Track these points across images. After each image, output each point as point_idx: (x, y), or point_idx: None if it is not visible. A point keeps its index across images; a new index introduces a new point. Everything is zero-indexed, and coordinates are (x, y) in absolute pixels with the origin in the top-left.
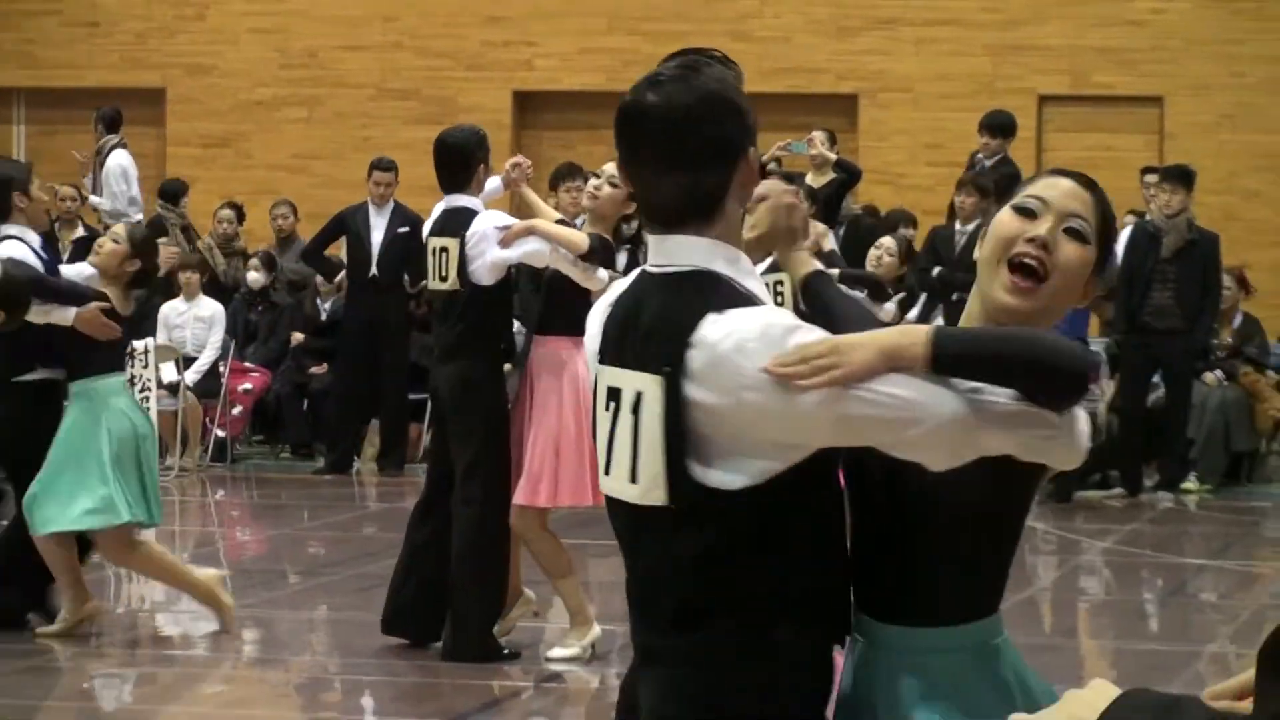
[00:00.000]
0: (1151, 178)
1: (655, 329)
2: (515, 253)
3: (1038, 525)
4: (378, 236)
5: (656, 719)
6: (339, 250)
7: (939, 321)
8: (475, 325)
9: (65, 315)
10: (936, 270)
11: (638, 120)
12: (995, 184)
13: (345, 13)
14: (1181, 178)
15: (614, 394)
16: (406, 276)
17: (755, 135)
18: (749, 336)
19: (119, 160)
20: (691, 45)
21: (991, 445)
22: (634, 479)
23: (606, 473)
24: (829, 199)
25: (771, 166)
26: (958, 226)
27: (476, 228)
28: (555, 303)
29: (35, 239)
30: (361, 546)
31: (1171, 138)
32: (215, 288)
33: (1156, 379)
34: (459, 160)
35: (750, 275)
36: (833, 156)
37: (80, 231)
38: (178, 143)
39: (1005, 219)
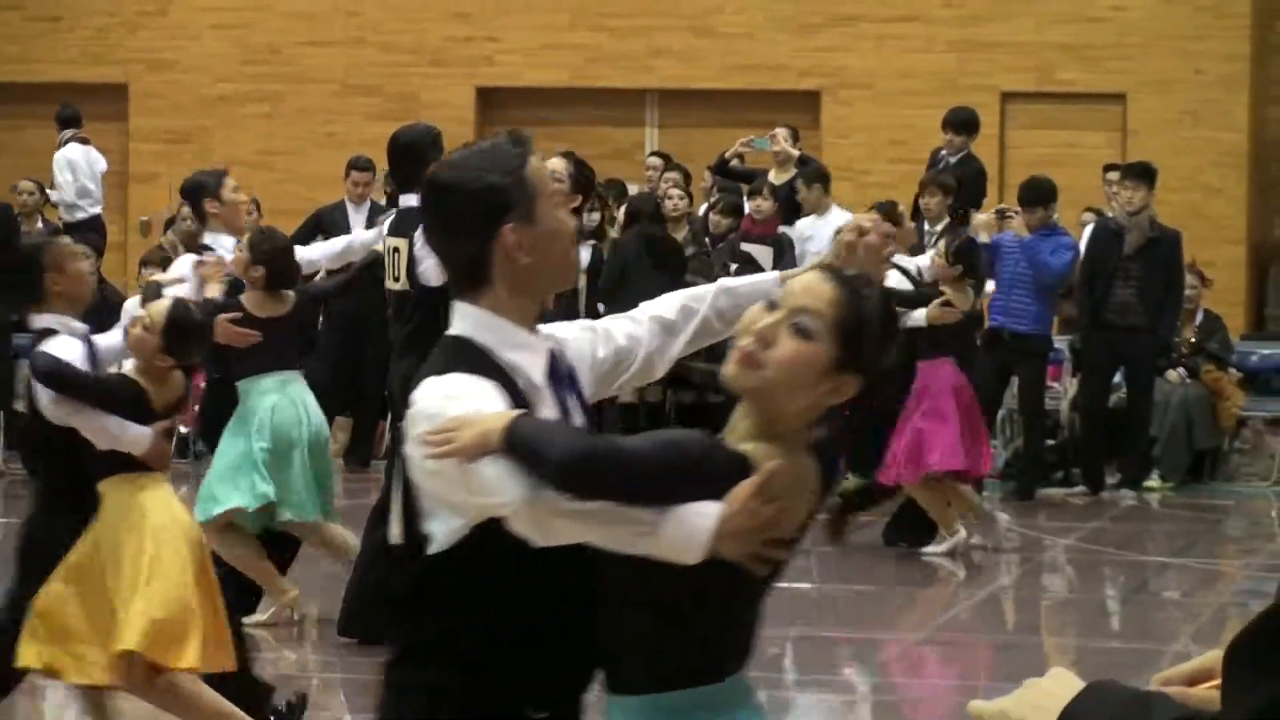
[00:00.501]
0: (1113, 175)
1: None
2: None
3: (1002, 517)
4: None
5: None
6: None
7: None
8: (424, 325)
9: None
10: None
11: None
12: (959, 180)
13: (308, 8)
14: (1143, 175)
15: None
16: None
17: (519, 211)
18: (423, 403)
19: (65, 154)
20: (655, 41)
21: (573, 534)
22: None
23: None
24: (790, 196)
25: (734, 163)
26: (925, 228)
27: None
28: None
29: (228, 243)
30: None
31: (1134, 134)
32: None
33: (1119, 377)
34: (412, 159)
35: (518, 347)
36: (795, 153)
37: (40, 225)
38: (140, 138)
39: (753, 309)
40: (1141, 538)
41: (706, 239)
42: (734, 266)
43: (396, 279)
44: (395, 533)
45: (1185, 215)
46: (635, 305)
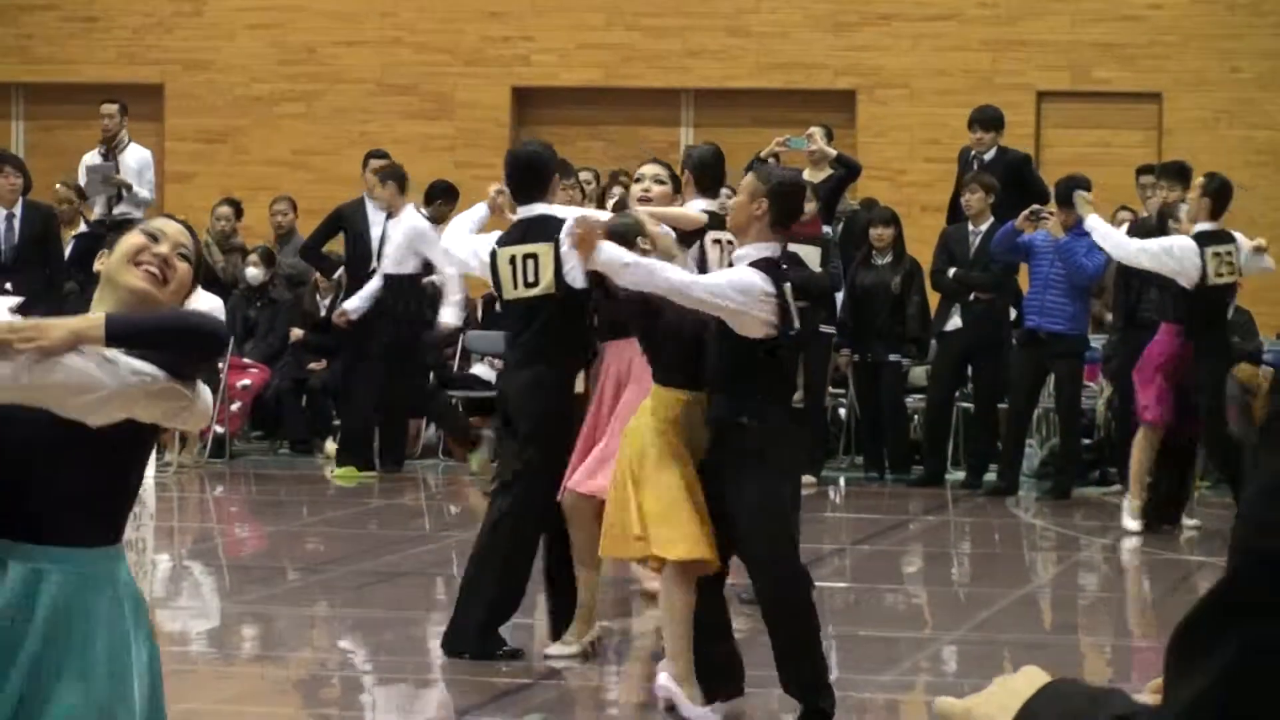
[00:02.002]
0: (1147, 178)
1: None
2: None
3: (1035, 522)
4: (376, 232)
5: None
6: (339, 246)
7: (956, 320)
8: (560, 330)
9: None
10: (952, 271)
11: None
12: (1014, 169)
13: (343, 8)
14: (1179, 174)
15: None
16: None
17: None
18: None
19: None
20: (690, 40)
21: (142, 412)
22: None
23: None
24: (828, 195)
25: (770, 163)
26: (970, 227)
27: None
28: None
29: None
30: (360, 543)
31: (1170, 134)
32: (214, 284)
33: None
34: (534, 173)
35: None
36: (832, 152)
37: (82, 227)
38: (176, 138)
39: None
40: (1177, 536)
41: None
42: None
43: (531, 284)
44: None
45: None
46: None
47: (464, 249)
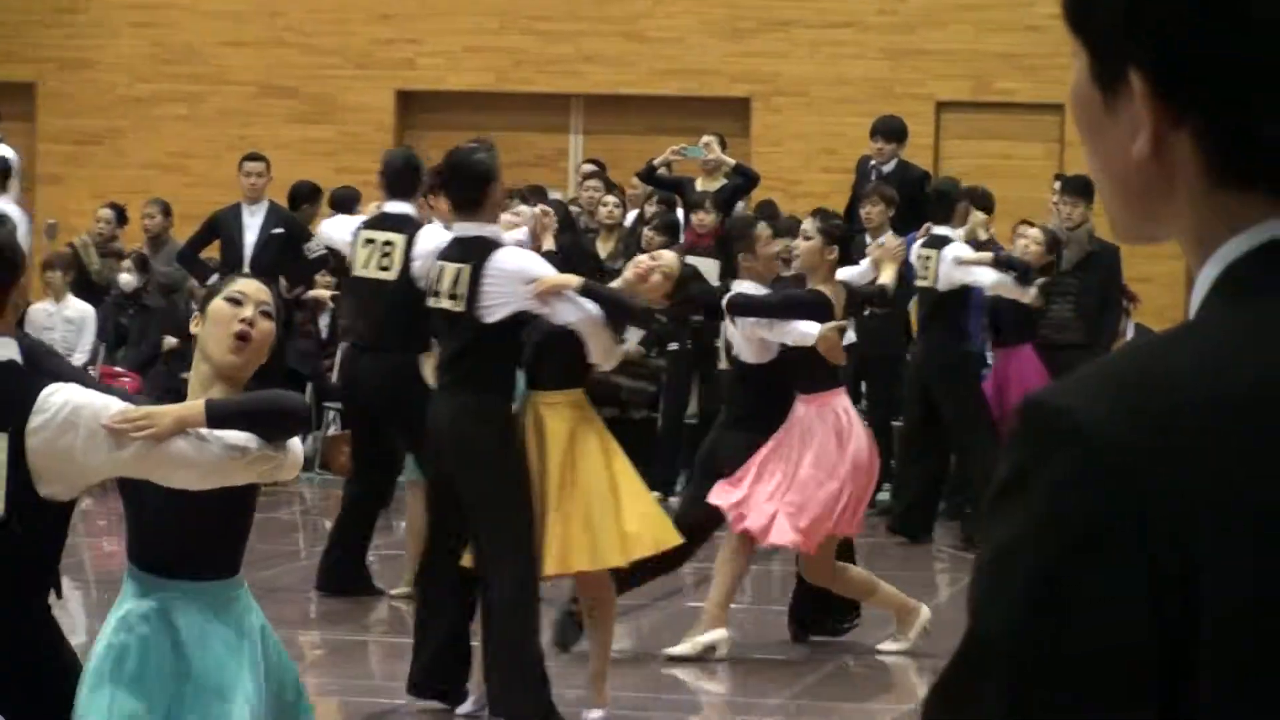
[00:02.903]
0: (1056, 186)
1: None
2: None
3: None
4: (251, 237)
5: None
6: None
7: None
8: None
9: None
10: None
11: None
12: (913, 185)
13: (229, 7)
14: (1083, 189)
15: None
16: (283, 280)
17: None
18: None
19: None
20: (583, 45)
21: (240, 478)
22: None
23: None
24: (725, 206)
25: (662, 172)
26: (867, 240)
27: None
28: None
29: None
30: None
31: (1072, 146)
32: (87, 289)
33: None
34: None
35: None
36: (730, 161)
37: None
38: (49, 139)
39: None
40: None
41: (639, 251)
42: None
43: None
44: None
45: None
46: None
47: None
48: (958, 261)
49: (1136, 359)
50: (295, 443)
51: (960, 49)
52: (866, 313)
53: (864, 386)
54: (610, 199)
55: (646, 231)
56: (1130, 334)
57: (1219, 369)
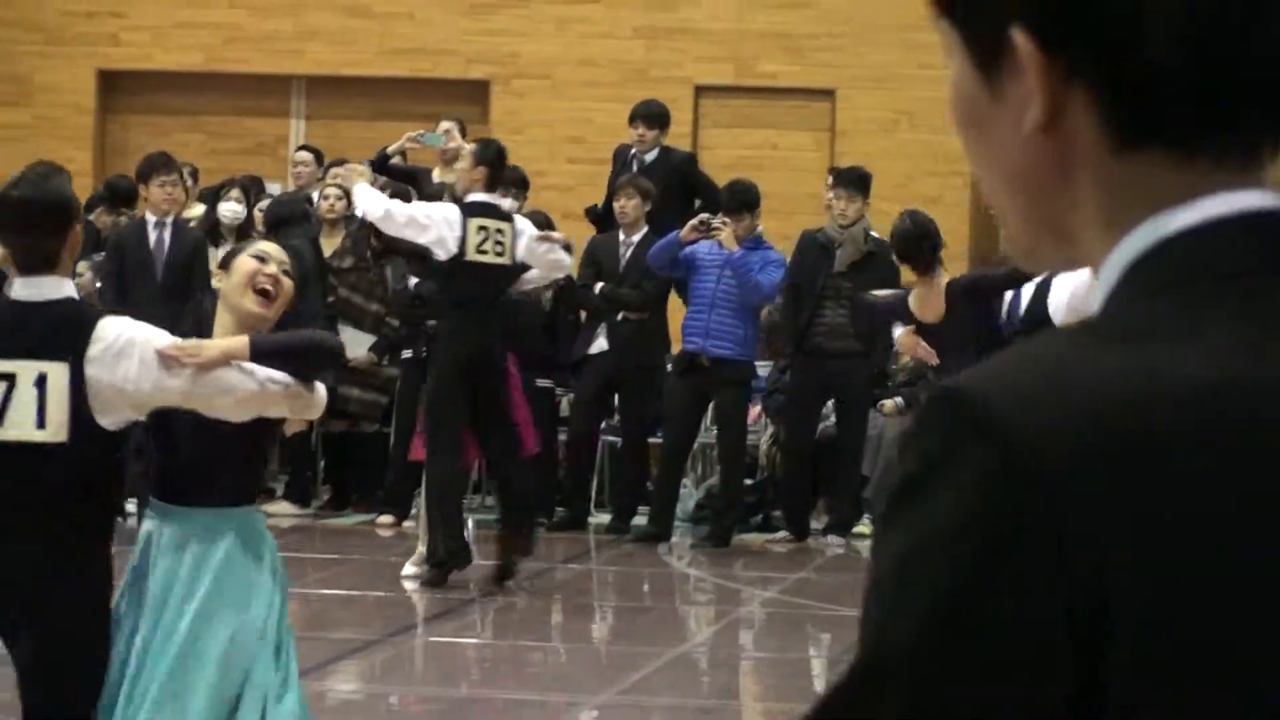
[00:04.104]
0: (829, 179)
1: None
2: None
3: (691, 572)
4: None
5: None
6: None
7: (602, 343)
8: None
9: None
10: (599, 286)
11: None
12: (677, 173)
13: None
14: (858, 183)
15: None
16: None
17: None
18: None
19: None
20: (302, 21)
21: (274, 411)
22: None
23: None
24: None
25: (395, 160)
26: (621, 236)
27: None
28: None
29: None
30: None
31: (845, 135)
32: None
33: (828, 408)
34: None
35: None
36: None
37: None
38: None
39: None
40: (851, 591)
41: (368, 249)
42: (414, 281)
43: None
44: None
45: None
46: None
47: None
48: None
49: (1052, 353)
50: (321, 386)
51: (720, 28)
52: (620, 317)
53: (616, 399)
54: (332, 191)
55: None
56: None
57: (1148, 367)
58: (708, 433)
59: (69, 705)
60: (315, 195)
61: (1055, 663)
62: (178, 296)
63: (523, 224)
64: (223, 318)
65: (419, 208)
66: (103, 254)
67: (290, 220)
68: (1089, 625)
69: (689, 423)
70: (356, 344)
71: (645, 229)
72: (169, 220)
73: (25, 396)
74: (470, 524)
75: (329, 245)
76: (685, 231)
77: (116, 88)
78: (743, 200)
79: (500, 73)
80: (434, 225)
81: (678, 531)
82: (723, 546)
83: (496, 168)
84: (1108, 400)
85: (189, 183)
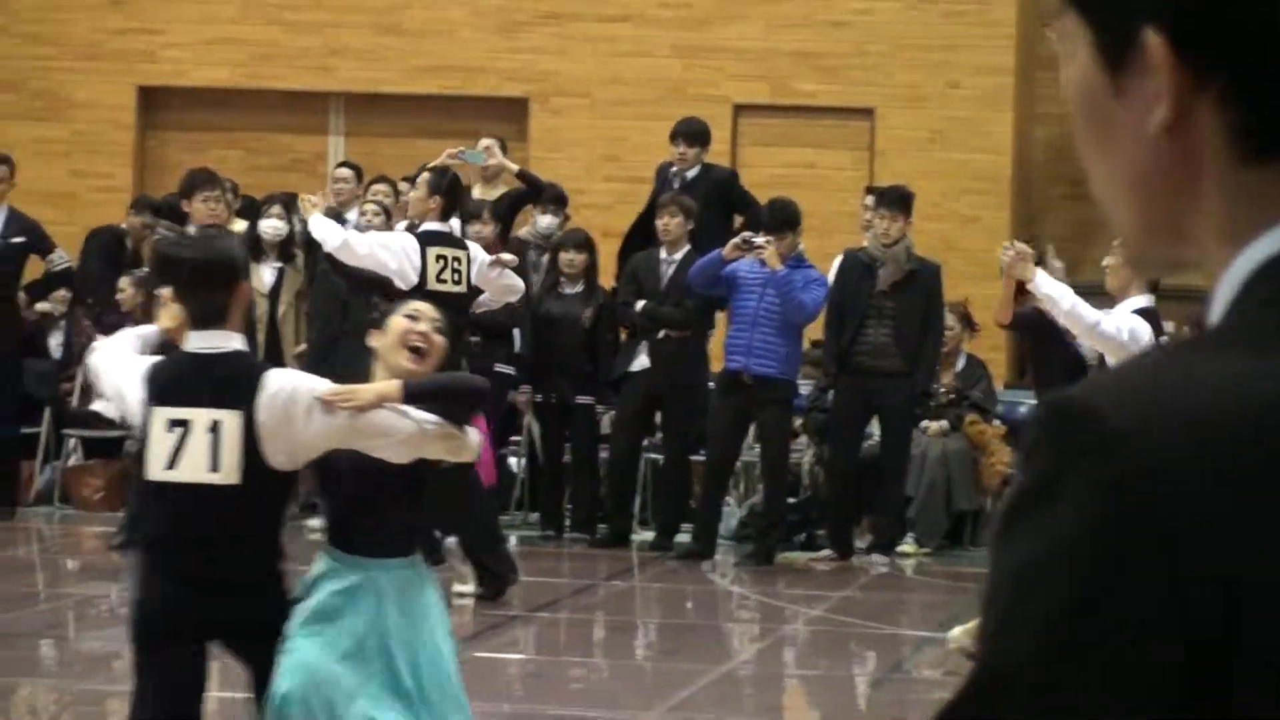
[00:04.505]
0: (869, 199)
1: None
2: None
3: (735, 589)
4: None
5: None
6: None
7: (644, 360)
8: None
9: None
10: (641, 304)
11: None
12: (719, 190)
13: None
14: (900, 202)
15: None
16: (22, 294)
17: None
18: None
19: None
20: (336, 39)
21: (431, 451)
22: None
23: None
24: (504, 215)
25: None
26: (663, 254)
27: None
28: None
29: None
30: None
31: (883, 155)
32: None
33: (871, 428)
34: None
35: None
36: (514, 167)
37: None
38: None
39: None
40: (895, 609)
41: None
42: None
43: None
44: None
45: (938, 248)
46: (354, 338)
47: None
48: None
49: (1169, 364)
50: (473, 430)
51: (753, 47)
52: (661, 335)
53: (658, 416)
54: (369, 205)
55: None
56: (962, 364)
57: (1266, 378)
58: (750, 451)
59: None
60: (354, 212)
61: (1175, 677)
62: None
63: (475, 250)
64: (379, 374)
65: (377, 237)
66: (145, 270)
67: None
68: (1211, 638)
69: (731, 441)
70: None
71: (687, 247)
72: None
73: (198, 442)
74: (513, 540)
75: None
76: (728, 250)
77: (155, 104)
78: (784, 218)
79: (537, 91)
80: (393, 255)
81: (721, 549)
82: (766, 564)
83: (451, 197)
84: (1224, 411)
85: (231, 198)
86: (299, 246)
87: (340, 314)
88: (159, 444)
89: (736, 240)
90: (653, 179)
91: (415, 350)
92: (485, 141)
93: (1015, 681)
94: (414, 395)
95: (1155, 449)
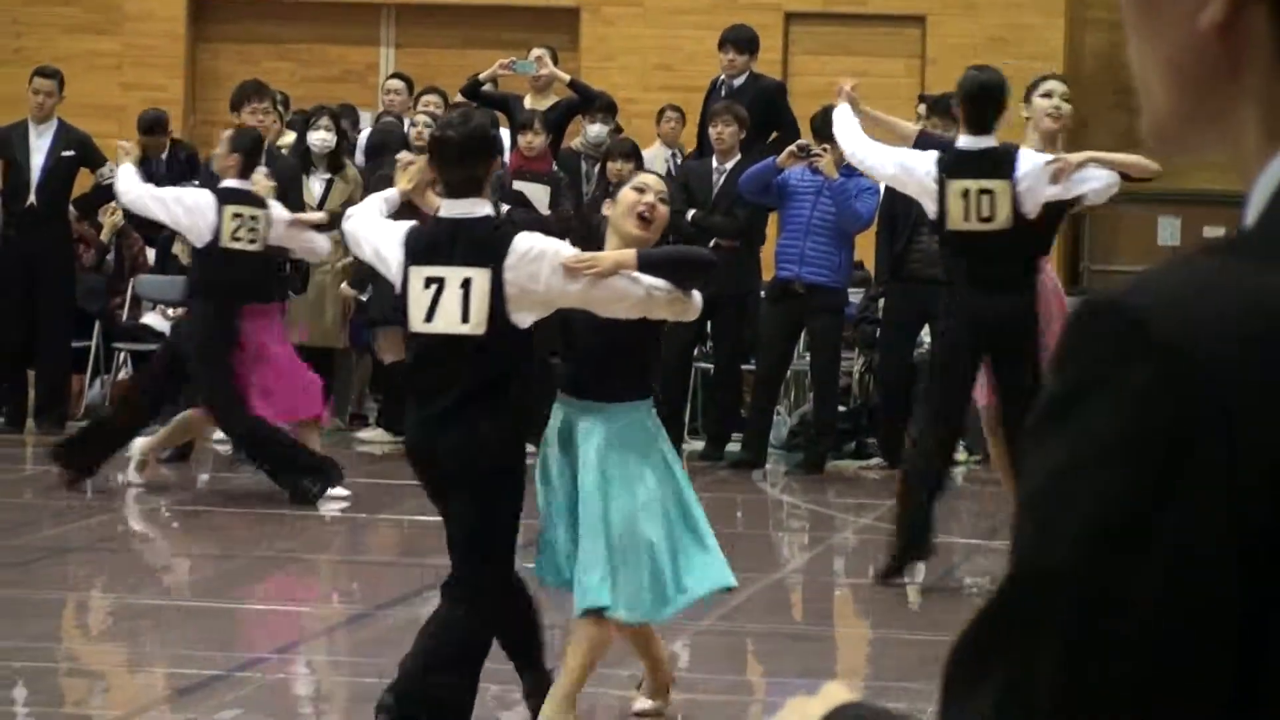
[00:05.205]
0: (921, 108)
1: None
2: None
3: (785, 498)
4: (38, 160)
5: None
6: None
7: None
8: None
9: None
10: (691, 213)
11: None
12: (764, 99)
13: None
14: (949, 111)
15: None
16: (72, 207)
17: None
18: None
19: None
20: None
21: (658, 313)
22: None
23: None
24: (554, 125)
25: (488, 88)
26: (714, 163)
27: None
28: None
29: None
30: (19, 514)
31: (935, 64)
32: None
33: (921, 335)
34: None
35: None
36: (565, 76)
37: None
38: None
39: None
40: (944, 517)
41: None
42: (505, 208)
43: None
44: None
45: None
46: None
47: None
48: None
49: (1207, 266)
50: (696, 293)
51: None
52: (712, 244)
53: (709, 326)
54: (420, 117)
55: None
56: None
57: None
58: (801, 360)
59: (486, 557)
60: (406, 123)
61: (1227, 575)
62: None
63: (277, 210)
64: (611, 239)
65: (173, 193)
66: (195, 182)
67: (388, 147)
68: (1264, 524)
69: (782, 350)
70: None
71: (739, 156)
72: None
73: (451, 297)
74: None
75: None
76: (783, 157)
77: (206, 16)
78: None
79: (590, 0)
80: (186, 211)
81: (772, 458)
82: (816, 473)
83: (251, 155)
84: (1267, 312)
85: (281, 110)
86: (348, 157)
87: None
88: (417, 300)
89: (792, 148)
90: (705, 88)
91: (642, 218)
92: (536, 51)
93: (1062, 582)
94: (647, 264)
95: (1197, 350)
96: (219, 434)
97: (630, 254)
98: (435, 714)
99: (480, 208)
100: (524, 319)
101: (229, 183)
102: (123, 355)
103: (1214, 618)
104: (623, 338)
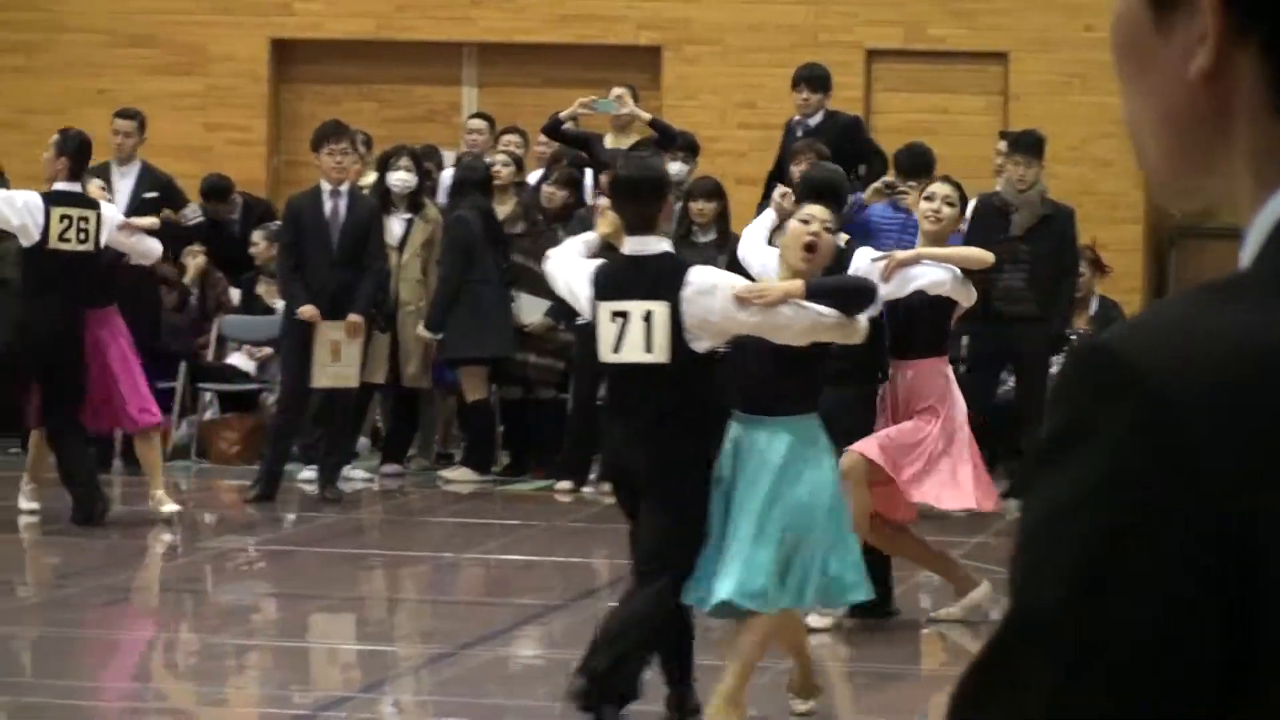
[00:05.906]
0: (1002, 145)
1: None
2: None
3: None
4: (122, 200)
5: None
6: None
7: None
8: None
9: None
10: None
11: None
12: (843, 135)
13: None
14: (1034, 147)
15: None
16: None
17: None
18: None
19: None
20: None
21: (826, 337)
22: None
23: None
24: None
25: (568, 126)
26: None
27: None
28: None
29: None
30: (107, 554)
31: (1017, 100)
32: None
33: (1006, 372)
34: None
35: None
36: (646, 115)
37: None
38: None
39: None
40: None
41: (540, 214)
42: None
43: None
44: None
45: (1074, 192)
46: (482, 287)
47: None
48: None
49: (1200, 307)
50: (862, 317)
51: None
52: None
53: None
54: (500, 156)
55: (546, 188)
56: (1095, 307)
57: None
58: None
59: (672, 559)
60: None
61: (1207, 617)
62: (352, 264)
63: (108, 211)
64: (781, 269)
65: (3, 194)
66: (278, 223)
67: (471, 185)
68: (1242, 577)
69: None
70: (532, 309)
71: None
72: (344, 189)
73: (635, 329)
74: None
75: (502, 211)
76: (868, 194)
77: (290, 57)
78: (920, 164)
79: (671, 38)
80: (16, 213)
81: None
82: None
83: (78, 158)
84: (1252, 355)
85: (362, 150)
86: (431, 197)
87: (466, 264)
88: (606, 332)
89: (877, 185)
90: (784, 132)
91: (808, 248)
92: (617, 91)
93: (1049, 625)
94: (814, 293)
95: (1185, 392)
96: (305, 473)
97: (798, 284)
98: (610, 679)
99: (657, 244)
100: (702, 345)
101: (58, 185)
102: (209, 396)
103: (1195, 658)
104: (792, 358)
